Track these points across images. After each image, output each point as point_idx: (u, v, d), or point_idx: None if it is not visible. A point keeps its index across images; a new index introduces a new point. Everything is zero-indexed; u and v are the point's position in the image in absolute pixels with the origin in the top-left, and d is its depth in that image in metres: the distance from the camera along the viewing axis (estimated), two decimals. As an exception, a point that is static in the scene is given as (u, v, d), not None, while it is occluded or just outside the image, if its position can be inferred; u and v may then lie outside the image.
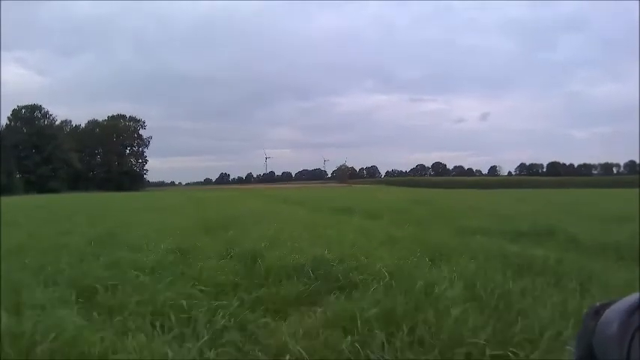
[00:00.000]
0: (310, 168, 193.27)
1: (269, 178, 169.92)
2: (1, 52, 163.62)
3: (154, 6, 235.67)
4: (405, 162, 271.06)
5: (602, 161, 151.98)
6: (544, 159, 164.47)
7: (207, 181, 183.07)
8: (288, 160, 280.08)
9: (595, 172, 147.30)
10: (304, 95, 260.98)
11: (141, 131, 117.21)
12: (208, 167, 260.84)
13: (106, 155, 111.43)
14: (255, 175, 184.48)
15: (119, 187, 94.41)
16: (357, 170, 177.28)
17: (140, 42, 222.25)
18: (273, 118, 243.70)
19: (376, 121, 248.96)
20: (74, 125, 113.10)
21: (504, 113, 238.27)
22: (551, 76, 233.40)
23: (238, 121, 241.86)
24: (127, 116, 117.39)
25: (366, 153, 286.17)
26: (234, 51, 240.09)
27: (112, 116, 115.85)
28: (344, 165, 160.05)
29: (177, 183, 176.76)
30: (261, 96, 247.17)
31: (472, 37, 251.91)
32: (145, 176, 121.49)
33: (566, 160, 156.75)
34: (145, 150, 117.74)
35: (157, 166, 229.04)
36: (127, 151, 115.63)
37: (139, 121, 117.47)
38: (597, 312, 0.77)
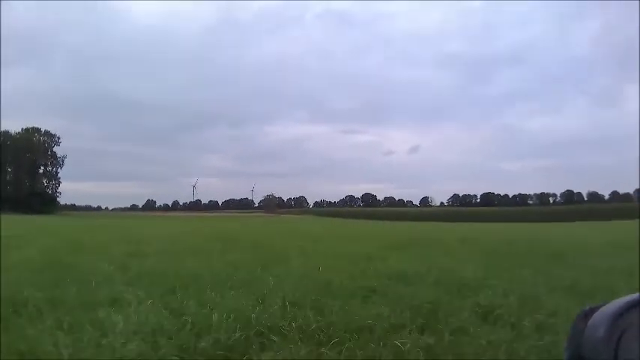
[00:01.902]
0: (237, 197, 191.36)
1: (195, 206, 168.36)
2: None
3: (96, 23, 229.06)
4: (334, 193, 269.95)
5: (538, 191, 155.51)
6: (477, 190, 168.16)
7: (134, 207, 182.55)
8: (216, 188, 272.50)
9: (530, 202, 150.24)
10: (236, 123, 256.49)
11: (55, 148, 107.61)
12: (135, 193, 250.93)
13: (16, 173, 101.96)
14: (181, 203, 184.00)
15: (28, 209, 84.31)
16: (285, 200, 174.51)
17: (79, 58, 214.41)
18: (204, 146, 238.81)
19: (307, 152, 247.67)
20: None
21: (436, 145, 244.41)
22: (485, 110, 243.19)
23: (168, 146, 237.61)
24: (42, 130, 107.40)
25: (295, 183, 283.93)
26: (170, 76, 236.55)
27: (27, 129, 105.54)
28: (271, 195, 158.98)
29: (104, 207, 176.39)
30: (194, 123, 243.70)
31: (408, 69, 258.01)
32: (58, 199, 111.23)
33: (500, 191, 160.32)
34: (59, 170, 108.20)
35: (85, 190, 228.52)
36: (40, 170, 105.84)
37: (53, 136, 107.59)
38: (587, 315, 0.79)
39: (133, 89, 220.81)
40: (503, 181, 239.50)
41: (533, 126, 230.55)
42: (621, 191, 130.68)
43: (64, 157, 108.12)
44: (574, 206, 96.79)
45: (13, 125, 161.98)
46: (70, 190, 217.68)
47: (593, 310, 0.78)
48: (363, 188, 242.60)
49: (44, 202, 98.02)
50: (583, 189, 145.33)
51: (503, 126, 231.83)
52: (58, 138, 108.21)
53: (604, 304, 0.78)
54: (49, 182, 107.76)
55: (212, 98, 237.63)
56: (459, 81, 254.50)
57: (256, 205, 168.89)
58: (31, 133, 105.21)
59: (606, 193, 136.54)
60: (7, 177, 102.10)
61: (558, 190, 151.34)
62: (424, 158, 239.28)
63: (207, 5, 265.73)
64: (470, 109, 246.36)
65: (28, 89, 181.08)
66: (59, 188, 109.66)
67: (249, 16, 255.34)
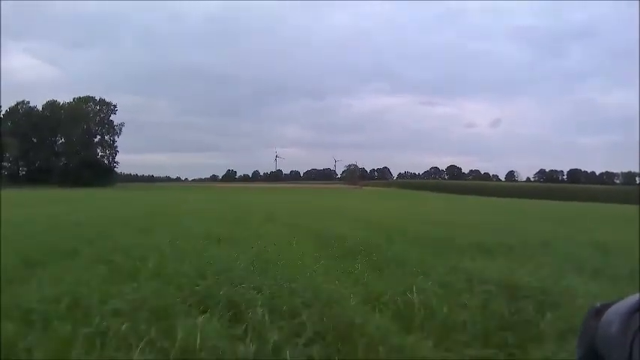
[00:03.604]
0: (319, 167, 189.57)
1: (276, 176, 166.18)
2: (10, 43, 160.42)
3: (165, 4, 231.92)
4: (417, 164, 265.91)
5: (625, 170, 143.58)
6: (562, 166, 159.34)
7: (214, 178, 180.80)
8: (297, 158, 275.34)
9: (617, 180, 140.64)
10: (316, 94, 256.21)
11: (112, 117, 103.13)
12: (215, 164, 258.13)
13: (66, 143, 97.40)
14: (262, 173, 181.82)
15: (76, 182, 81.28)
16: (368, 171, 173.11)
17: (150, 37, 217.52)
18: (285, 117, 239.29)
19: (388, 123, 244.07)
20: (33, 107, 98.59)
21: (515, 119, 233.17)
22: (559, 84, 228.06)
23: (249, 118, 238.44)
24: (97, 99, 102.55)
25: (377, 154, 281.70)
26: (245, 48, 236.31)
27: (79, 98, 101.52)
28: (354, 165, 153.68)
29: (183, 179, 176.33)
30: (272, 94, 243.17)
31: (482, 42, 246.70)
32: (115, 169, 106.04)
33: (587, 168, 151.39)
34: (116, 139, 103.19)
35: (165, 161, 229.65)
36: (96, 140, 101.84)
37: (108, 104, 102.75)
38: (598, 312, 0.78)
39: (211, 62, 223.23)
40: (585, 157, 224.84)
41: (608, 101, 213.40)
42: None
43: (122, 124, 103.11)
44: None
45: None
46: (150, 160, 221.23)
47: (604, 308, 0.77)
48: (447, 160, 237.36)
49: (99, 173, 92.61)
50: None
51: (578, 100, 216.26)
52: (114, 106, 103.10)
53: (615, 302, 0.77)
54: (104, 151, 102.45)
55: (289, 70, 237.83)
56: (532, 55, 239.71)
57: (338, 175, 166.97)
58: (83, 101, 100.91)
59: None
60: (56, 148, 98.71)
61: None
62: (506, 131, 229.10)
63: None
64: (544, 84, 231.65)
65: (101, 69, 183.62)
66: (117, 158, 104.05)
67: None
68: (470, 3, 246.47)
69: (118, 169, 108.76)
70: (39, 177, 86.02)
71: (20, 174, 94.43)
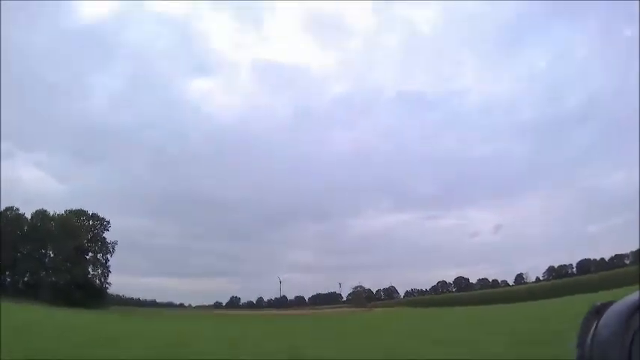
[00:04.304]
0: (325, 291, 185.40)
1: (281, 302, 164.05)
2: (21, 154, 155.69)
3: (173, 123, 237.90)
4: (424, 280, 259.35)
5: (635, 248, 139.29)
6: (572, 259, 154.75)
7: (218, 305, 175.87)
8: (302, 283, 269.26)
9: (627, 261, 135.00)
10: (319, 217, 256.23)
11: (105, 234, 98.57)
12: (219, 290, 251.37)
13: (55, 258, 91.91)
14: (266, 300, 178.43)
15: (67, 301, 75.11)
16: (374, 292, 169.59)
17: (158, 157, 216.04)
18: (288, 241, 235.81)
19: (392, 241, 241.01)
20: (21, 213, 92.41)
21: (519, 220, 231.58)
22: (563, 174, 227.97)
23: (251, 243, 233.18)
24: (90, 213, 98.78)
25: (383, 273, 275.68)
26: (251, 172, 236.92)
27: (70, 211, 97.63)
28: (360, 287, 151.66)
29: (186, 305, 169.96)
30: (277, 218, 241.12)
31: (483, 145, 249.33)
32: (107, 290, 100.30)
33: (595, 256, 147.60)
34: (109, 257, 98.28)
35: (168, 286, 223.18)
36: (88, 256, 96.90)
37: (101, 220, 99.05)
38: (598, 311, 0.78)
39: (216, 187, 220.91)
40: (594, 245, 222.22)
41: (613, 182, 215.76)
42: None
43: (115, 242, 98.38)
44: None
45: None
46: (154, 283, 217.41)
47: (603, 307, 0.77)
48: (453, 273, 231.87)
49: (90, 293, 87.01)
50: None
51: (583, 188, 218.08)
52: (107, 222, 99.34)
53: (615, 302, 0.77)
54: (95, 270, 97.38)
55: (293, 193, 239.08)
56: (532, 149, 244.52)
57: (344, 298, 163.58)
58: (75, 214, 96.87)
59: None
60: (46, 261, 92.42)
61: None
62: (510, 235, 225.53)
63: (283, 99, 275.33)
64: (547, 177, 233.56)
65: (109, 187, 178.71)
66: (111, 278, 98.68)
67: (323, 108, 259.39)
68: (470, 105, 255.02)
69: (114, 291, 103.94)
70: (27, 291, 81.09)
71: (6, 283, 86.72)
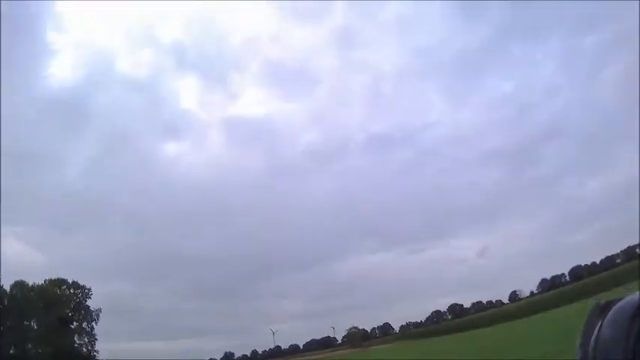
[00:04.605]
0: (318, 337, 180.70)
1: (276, 353, 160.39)
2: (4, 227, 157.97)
3: (148, 185, 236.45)
4: (418, 311, 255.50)
5: (624, 247, 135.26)
6: (562, 269, 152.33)
7: None
8: (295, 331, 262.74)
9: (619, 261, 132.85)
10: (303, 266, 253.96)
11: (88, 302, 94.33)
12: (211, 348, 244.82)
13: (38, 331, 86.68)
14: (260, 352, 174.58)
15: None
16: (369, 330, 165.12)
17: (135, 220, 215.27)
18: (274, 292, 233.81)
19: (381, 279, 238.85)
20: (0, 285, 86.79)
21: (503, 242, 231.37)
22: (540, 191, 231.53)
23: (240, 297, 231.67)
24: (70, 281, 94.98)
25: (376, 312, 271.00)
26: (230, 227, 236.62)
27: (50, 280, 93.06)
28: (354, 327, 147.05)
29: None
30: (260, 271, 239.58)
31: (457, 176, 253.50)
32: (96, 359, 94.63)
33: (586, 261, 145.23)
34: (94, 325, 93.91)
35: (160, 349, 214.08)
36: (72, 326, 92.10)
37: (82, 287, 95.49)
38: (602, 310, 0.77)
39: (196, 247, 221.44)
40: (583, 252, 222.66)
41: (590, 190, 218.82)
42: None
43: (99, 310, 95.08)
44: None
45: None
46: (144, 348, 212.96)
47: (608, 305, 0.76)
48: (447, 301, 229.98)
49: None
50: None
51: (561, 200, 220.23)
52: (89, 290, 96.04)
53: (619, 299, 0.75)
54: (82, 339, 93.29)
55: (274, 245, 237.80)
56: (507, 172, 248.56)
57: (339, 341, 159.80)
58: (56, 284, 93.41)
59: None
60: (29, 333, 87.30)
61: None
62: (497, 256, 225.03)
63: (255, 153, 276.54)
64: (525, 195, 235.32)
65: (89, 255, 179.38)
66: (97, 346, 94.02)
67: (295, 158, 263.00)
68: (438, 138, 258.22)
69: (103, 357, 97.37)
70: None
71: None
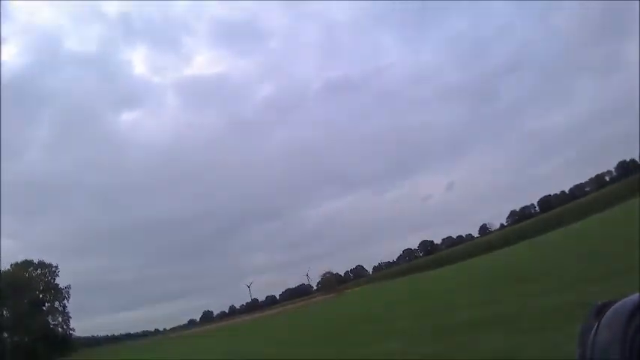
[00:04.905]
0: (293, 285, 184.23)
1: (253, 306, 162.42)
2: None
3: (110, 158, 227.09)
4: (390, 251, 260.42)
5: (593, 175, 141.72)
6: (531, 199, 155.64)
7: (192, 322, 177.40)
8: (270, 282, 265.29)
9: (588, 189, 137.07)
10: (270, 216, 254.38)
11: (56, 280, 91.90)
12: (190, 307, 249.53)
13: (11, 317, 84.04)
14: (238, 306, 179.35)
15: (35, 357, 72.88)
16: (343, 274, 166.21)
17: (100, 195, 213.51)
18: (245, 246, 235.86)
19: (349, 222, 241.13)
20: None
21: (470, 176, 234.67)
22: (503, 125, 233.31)
23: (212, 256, 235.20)
24: (36, 262, 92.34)
25: (348, 256, 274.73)
26: (197, 188, 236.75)
27: (16, 264, 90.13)
28: (328, 272, 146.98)
29: (161, 330, 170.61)
30: (228, 227, 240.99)
31: (418, 115, 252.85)
32: (72, 335, 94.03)
33: (555, 191, 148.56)
34: (66, 303, 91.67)
35: (140, 317, 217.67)
36: (45, 308, 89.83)
37: (50, 266, 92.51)
38: (599, 311, 0.77)
39: (163, 211, 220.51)
40: (550, 183, 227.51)
41: (553, 121, 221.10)
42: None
43: (69, 287, 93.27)
44: (636, 176, 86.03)
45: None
46: (124, 320, 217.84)
47: (606, 306, 0.76)
48: (417, 237, 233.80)
49: (55, 344, 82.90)
50: (614, 163, 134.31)
51: (525, 133, 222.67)
52: (56, 268, 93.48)
53: (616, 301, 0.76)
54: (55, 319, 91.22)
55: (240, 200, 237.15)
56: (469, 108, 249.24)
57: (315, 288, 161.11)
58: (22, 266, 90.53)
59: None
60: (4, 323, 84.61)
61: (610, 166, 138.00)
62: (464, 191, 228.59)
63: (212, 112, 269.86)
64: (488, 129, 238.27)
65: (59, 235, 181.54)
66: (71, 324, 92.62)
67: (253, 112, 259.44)
68: (397, 79, 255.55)
69: (85, 333, 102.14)
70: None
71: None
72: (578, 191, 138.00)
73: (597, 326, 0.75)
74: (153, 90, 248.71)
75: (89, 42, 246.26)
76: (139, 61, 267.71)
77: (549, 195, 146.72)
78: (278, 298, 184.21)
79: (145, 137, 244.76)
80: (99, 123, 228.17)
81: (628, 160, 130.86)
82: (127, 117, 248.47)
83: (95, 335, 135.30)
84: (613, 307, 0.75)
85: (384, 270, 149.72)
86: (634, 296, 0.73)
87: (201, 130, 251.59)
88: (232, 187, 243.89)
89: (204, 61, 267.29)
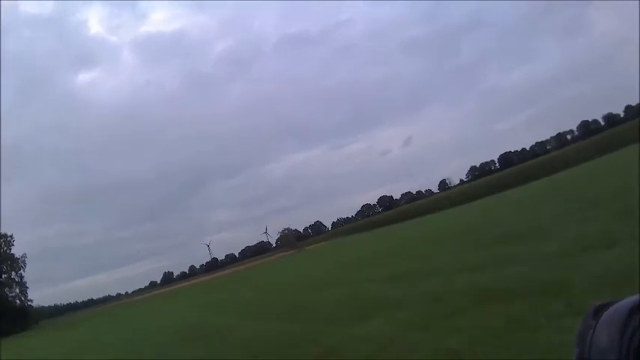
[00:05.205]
0: (253, 243, 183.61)
1: (213, 265, 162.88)
2: None
3: (69, 120, 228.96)
4: (348, 207, 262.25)
5: (554, 133, 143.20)
6: (492, 155, 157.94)
7: (153, 284, 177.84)
8: (230, 240, 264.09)
9: (549, 147, 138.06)
10: (229, 172, 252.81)
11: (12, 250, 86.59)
12: (152, 269, 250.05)
13: None
14: (198, 266, 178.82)
15: None
16: (302, 231, 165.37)
17: (61, 159, 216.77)
18: (205, 204, 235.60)
19: (307, 177, 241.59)
20: None
21: (429, 131, 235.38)
22: (464, 81, 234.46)
23: (172, 214, 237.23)
24: None
25: (306, 211, 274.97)
26: (151, 149, 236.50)
27: None
28: (287, 229, 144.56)
29: (123, 293, 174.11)
30: (190, 185, 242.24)
31: (379, 67, 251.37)
32: (32, 308, 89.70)
33: (516, 147, 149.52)
34: (22, 273, 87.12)
35: (102, 281, 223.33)
36: (1, 279, 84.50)
37: (3, 236, 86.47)
38: (597, 312, 0.78)
39: (123, 173, 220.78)
40: (511, 139, 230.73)
41: (514, 79, 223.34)
42: (615, 111, 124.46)
43: (24, 256, 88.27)
44: (597, 136, 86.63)
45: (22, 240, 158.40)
46: (86, 286, 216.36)
47: (603, 307, 0.77)
48: (376, 193, 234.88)
49: (15, 317, 76.61)
50: (576, 123, 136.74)
51: (485, 90, 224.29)
52: (11, 237, 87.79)
53: (615, 301, 0.76)
54: (12, 291, 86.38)
55: (198, 157, 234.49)
56: (430, 62, 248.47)
57: (274, 245, 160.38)
58: None
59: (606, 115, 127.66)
60: None
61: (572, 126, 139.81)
62: (423, 145, 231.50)
63: (170, 69, 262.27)
64: (448, 85, 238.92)
65: (19, 203, 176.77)
66: (29, 294, 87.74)
67: (211, 68, 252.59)
68: (357, 34, 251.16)
69: (46, 302, 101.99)
70: None
71: None
72: (539, 149, 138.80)
73: (594, 327, 0.75)
74: (109, 49, 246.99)
75: (44, 3, 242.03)
76: (94, 20, 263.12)
77: (510, 151, 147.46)
78: (238, 256, 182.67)
79: (104, 97, 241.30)
80: (57, 85, 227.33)
81: (590, 120, 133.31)
82: (84, 77, 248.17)
83: (58, 304, 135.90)
84: (611, 308, 0.75)
85: (343, 226, 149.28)
86: (631, 298, 0.73)
87: (160, 88, 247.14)
88: (193, 144, 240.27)
89: (161, 18, 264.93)
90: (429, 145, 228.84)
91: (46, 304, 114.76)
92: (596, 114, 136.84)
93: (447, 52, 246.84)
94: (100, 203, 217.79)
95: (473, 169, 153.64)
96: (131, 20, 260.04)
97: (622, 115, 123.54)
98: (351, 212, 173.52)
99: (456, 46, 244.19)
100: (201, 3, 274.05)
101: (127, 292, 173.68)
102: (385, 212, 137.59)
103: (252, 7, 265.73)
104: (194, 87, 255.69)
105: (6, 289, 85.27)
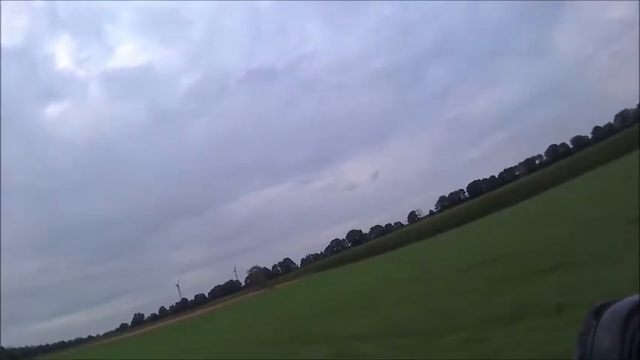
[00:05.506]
0: (222, 282, 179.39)
1: (184, 306, 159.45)
2: None
3: (36, 155, 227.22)
4: (317, 243, 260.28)
5: (522, 159, 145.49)
6: (460, 185, 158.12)
7: (123, 327, 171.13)
8: (199, 279, 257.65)
9: (517, 172, 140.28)
10: (194, 211, 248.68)
11: None
12: (122, 311, 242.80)
13: None
14: (167, 307, 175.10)
15: None
16: (271, 268, 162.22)
17: (29, 195, 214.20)
18: (173, 242, 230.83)
19: (274, 215, 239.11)
20: None
21: (396, 163, 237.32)
22: (430, 110, 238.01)
23: (141, 253, 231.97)
24: None
25: (274, 249, 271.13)
26: (122, 186, 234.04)
27: None
28: (256, 267, 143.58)
29: (94, 335, 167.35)
30: (157, 223, 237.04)
31: (343, 101, 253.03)
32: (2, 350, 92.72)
33: (485, 175, 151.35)
34: None
35: (74, 322, 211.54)
36: None
37: None
38: (598, 311, 0.77)
39: (92, 208, 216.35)
40: (478, 168, 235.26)
41: (479, 105, 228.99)
42: (584, 134, 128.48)
43: None
44: (566, 160, 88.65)
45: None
46: (57, 327, 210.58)
47: (605, 306, 0.76)
48: (345, 227, 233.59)
49: None
50: (544, 147, 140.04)
51: (450, 119, 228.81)
52: None
53: (616, 301, 0.76)
54: None
55: (162, 195, 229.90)
56: (394, 94, 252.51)
57: (243, 284, 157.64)
58: None
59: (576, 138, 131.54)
60: None
61: (540, 151, 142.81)
62: (391, 179, 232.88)
63: (136, 104, 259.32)
64: (413, 116, 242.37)
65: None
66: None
67: (176, 103, 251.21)
68: (322, 66, 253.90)
69: (17, 344, 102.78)
70: None
71: None
72: (508, 175, 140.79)
73: (595, 327, 0.75)
74: (76, 83, 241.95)
75: (15, 34, 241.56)
76: (62, 52, 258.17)
77: (479, 180, 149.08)
78: (207, 296, 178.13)
79: (71, 133, 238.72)
80: (23, 117, 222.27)
81: (558, 144, 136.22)
82: (51, 110, 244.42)
83: (29, 346, 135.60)
84: (612, 308, 0.74)
85: (313, 262, 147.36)
86: (632, 297, 0.73)
87: (126, 123, 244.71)
88: (157, 182, 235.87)
89: (128, 52, 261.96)
90: (397, 177, 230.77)
91: (15, 346, 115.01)
92: (564, 137, 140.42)
93: (411, 83, 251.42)
94: (68, 242, 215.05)
95: (442, 199, 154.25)
96: (98, 53, 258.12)
97: (590, 137, 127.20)
98: (320, 248, 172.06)
99: (420, 76, 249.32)
100: (168, 35, 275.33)
101: (97, 335, 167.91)
102: (355, 247, 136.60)
103: (217, 40, 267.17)
104: (159, 122, 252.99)
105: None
